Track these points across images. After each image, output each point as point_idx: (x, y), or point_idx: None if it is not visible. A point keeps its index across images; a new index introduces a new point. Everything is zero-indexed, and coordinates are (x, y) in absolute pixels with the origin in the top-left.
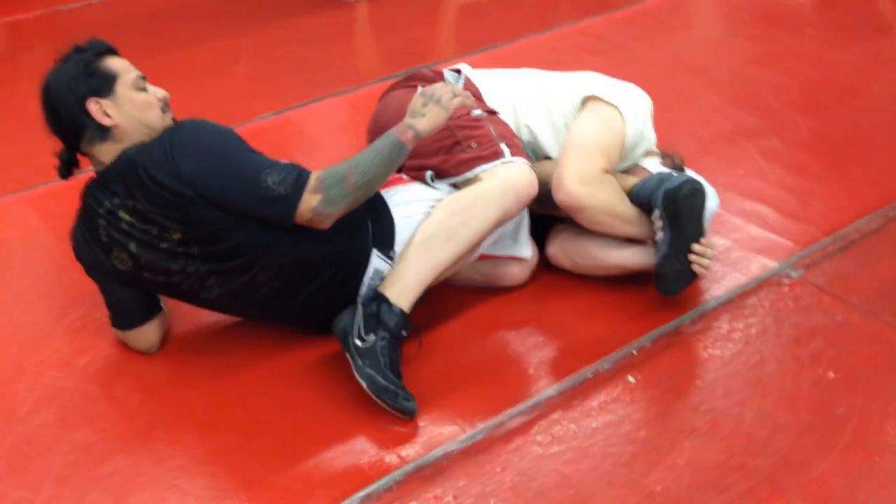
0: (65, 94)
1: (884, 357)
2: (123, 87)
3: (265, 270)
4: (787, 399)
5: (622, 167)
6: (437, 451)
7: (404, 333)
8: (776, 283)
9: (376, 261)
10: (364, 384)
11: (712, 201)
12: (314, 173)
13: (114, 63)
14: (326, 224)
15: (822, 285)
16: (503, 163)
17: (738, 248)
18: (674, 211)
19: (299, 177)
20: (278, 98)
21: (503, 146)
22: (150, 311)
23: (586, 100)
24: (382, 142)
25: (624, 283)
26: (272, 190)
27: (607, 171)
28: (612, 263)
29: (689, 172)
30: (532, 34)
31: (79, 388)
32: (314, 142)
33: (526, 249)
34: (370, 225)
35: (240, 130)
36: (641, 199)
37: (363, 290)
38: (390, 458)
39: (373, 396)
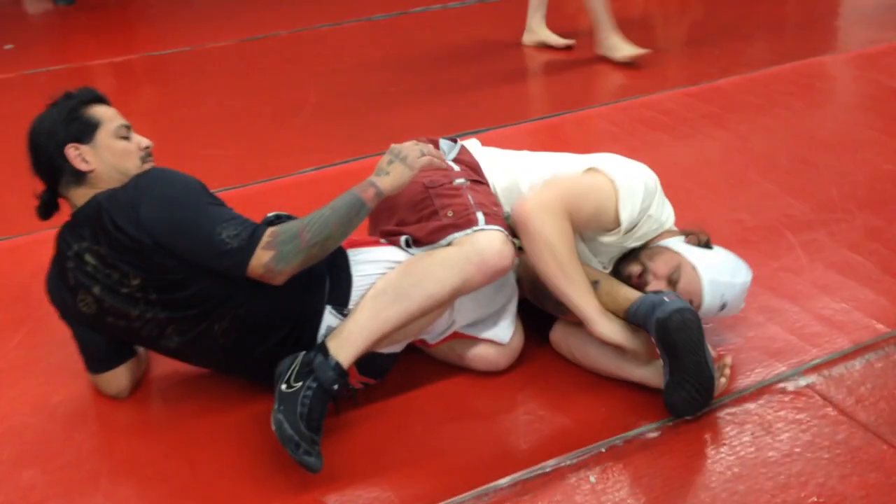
0: (45, 137)
1: (879, 486)
2: (105, 135)
3: (221, 322)
4: None
5: (631, 244)
6: None
7: (335, 388)
8: (779, 390)
9: (329, 317)
10: (273, 428)
11: (745, 277)
12: (269, 229)
13: (99, 111)
14: (279, 280)
15: (831, 398)
16: (476, 231)
17: (749, 347)
18: (668, 343)
19: (254, 232)
20: (326, 153)
21: (479, 214)
22: (119, 356)
23: (586, 171)
24: (342, 199)
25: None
26: (225, 244)
27: (570, 216)
28: (611, 369)
29: (718, 250)
30: (597, 105)
31: (42, 427)
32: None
33: (504, 334)
34: (328, 281)
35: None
36: (637, 321)
37: None
38: None
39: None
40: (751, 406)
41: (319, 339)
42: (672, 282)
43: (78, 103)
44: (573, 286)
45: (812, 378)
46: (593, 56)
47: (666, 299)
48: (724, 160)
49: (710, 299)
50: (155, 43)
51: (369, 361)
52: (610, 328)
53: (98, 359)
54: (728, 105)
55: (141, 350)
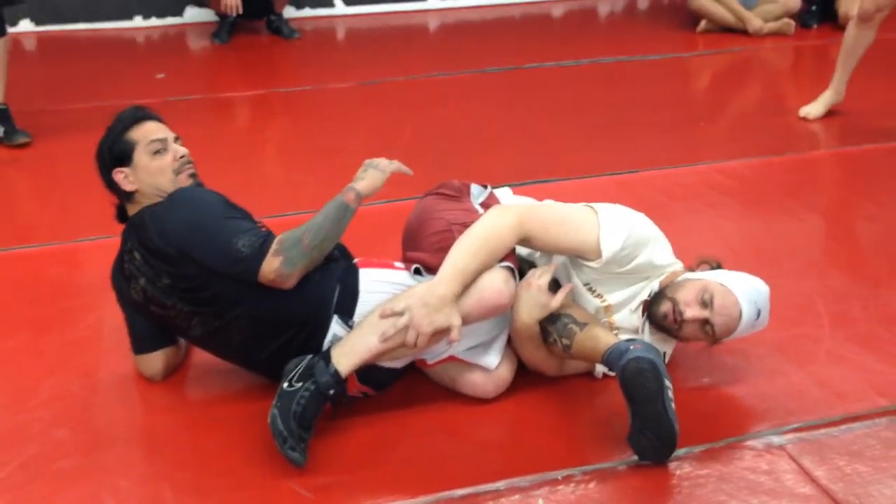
0: (101, 164)
1: None
2: (140, 155)
3: (236, 321)
4: None
5: (623, 274)
6: None
7: (331, 392)
8: (751, 446)
9: (335, 326)
10: (268, 421)
11: (765, 287)
12: (277, 237)
13: (134, 133)
14: (289, 283)
15: (802, 461)
16: None
17: (742, 402)
18: (626, 390)
19: (265, 241)
20: (400, 187)
21: None
22: (158, 342)
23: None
24: (330, 205)
25: (602, 411)
26: (241, 252)
27: (526, 229)
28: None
29: (723, 274)
30: (669, 166)
31: (83, 396)
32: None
33: (492, 360)
34: (337, 293)
35: None
36: (611, 368)
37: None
38: None
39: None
40: (720, 457)
41: (325, 345)
42: (705, 303)
43: (121, 128)
44: (457, 254)
45: (788, 438)
46: (677, 116)
47: (631, 347)
48: (782, 228)
49: (747, 308)
50: (287, 81)
51: (370, 372)
52: (444, 299)
53: (141, 340)
54: (814, 179)
55: (182, 343)
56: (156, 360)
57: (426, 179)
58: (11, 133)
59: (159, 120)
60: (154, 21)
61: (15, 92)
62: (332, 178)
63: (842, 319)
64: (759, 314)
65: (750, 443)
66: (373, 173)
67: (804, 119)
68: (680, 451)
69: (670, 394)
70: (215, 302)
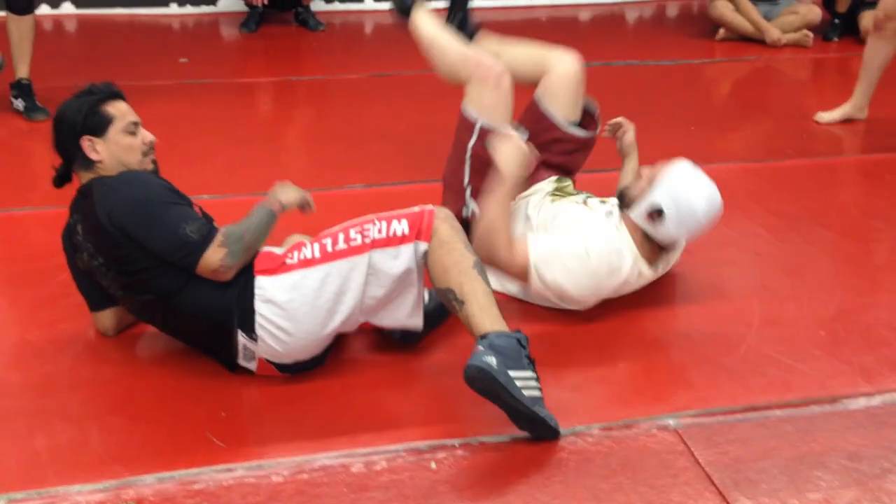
0: (67, 126)
1: None
2: (115, 131)
3: (157, 313)
4: None
5: None
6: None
7: None
8: (646, 428)
9: (241, 338)
10: None
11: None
12: (221, 229)
13: (113, 108)
14: (228, 276)
15: (692, 445)
16: None
17: (651, 386)
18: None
19: (210, 231)
20: (378, 174)
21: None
22: (106, 302)
23: None
24: (260, 211)
25: None
26: (189, 237)
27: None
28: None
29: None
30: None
31: (40, 344)
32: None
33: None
34: (236, 316)
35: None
36: None
37: (239, 359)
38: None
39: None
40: (615, 436)
41: (239, 354)
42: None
43: (97, 100)
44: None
45: (684, 422)
46: (675, 121)
47: (475, 351)
48: (741, 231)
49: (692, 170)
50: (301, 70)
51: (294, 364)
52: None
53: (91, 299)
54: (787, 183)
55: None
56: (106, 318)
57: (406, 168)
58: (32, 109)
59: (127, 102)
60: (189, 9)
61: (47, 69)
62: (321, 161)
63: (772, 319)
64: (707, 184)
65: (646, 424)
66: (288, 189)
67: (816, 122)
68: (579, 428)
69: (518, 384)
70: (137, 291)
